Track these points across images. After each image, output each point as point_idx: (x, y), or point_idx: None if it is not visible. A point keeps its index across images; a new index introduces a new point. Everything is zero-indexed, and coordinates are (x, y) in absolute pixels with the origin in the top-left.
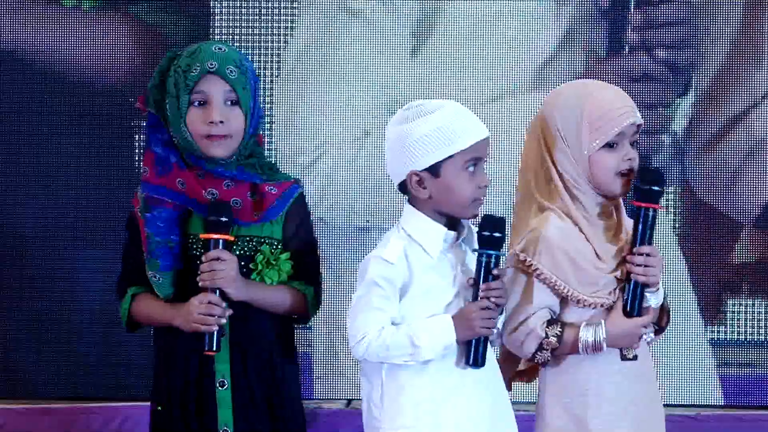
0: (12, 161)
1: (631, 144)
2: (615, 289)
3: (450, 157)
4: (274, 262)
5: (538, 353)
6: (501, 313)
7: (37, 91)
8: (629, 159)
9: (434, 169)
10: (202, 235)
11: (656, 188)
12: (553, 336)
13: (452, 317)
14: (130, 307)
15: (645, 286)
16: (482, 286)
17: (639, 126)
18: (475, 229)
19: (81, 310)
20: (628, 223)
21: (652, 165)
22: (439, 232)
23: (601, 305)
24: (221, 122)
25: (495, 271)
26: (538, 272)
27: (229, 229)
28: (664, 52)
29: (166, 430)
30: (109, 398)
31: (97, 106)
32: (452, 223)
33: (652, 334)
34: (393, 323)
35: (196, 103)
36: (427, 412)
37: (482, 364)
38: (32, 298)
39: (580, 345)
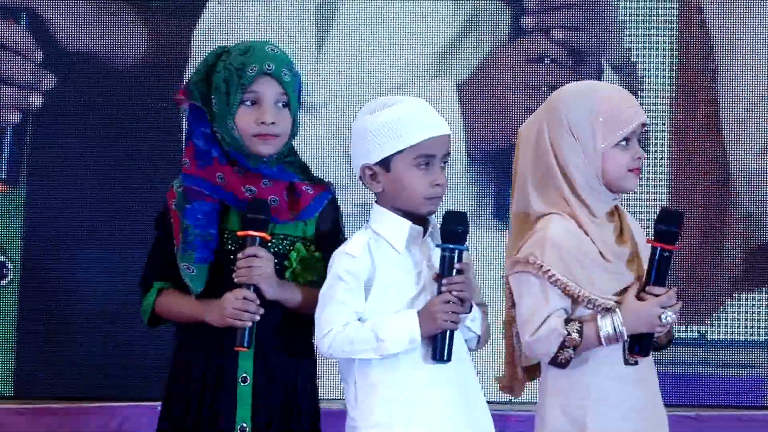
0: (12, 158)
1: (638, 142)
2: (624, 290)
3: (400, 151)
4: (307, 260)
5: (561, 352)
6: (470, 311)
7: (42, 88)
8: (638, 157)
9: (385, 163)
10: (240, 232)
11: (675, 229)
12: (574, 332)
13: (417, 312)
14: (155, 301)
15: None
16: (444, 280)
17: (645, 125)
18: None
19: (81, 310)
20: (634, 225)
21: (672, 207)
22: (403, 226)
23: (612, 307)
24: (272, 123)
25: (457, 266)
26: (549, 274)
27: (267, 228)
28: (566, 35)
29: (177, 429)
30: (109, 398)
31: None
32: (420, 219)
33: (673, 315)
34: (360, 320)
35: (247, 102)
36: (399, 409)
37: (448, 359)
38: (32, 298)
39: (601, 337)
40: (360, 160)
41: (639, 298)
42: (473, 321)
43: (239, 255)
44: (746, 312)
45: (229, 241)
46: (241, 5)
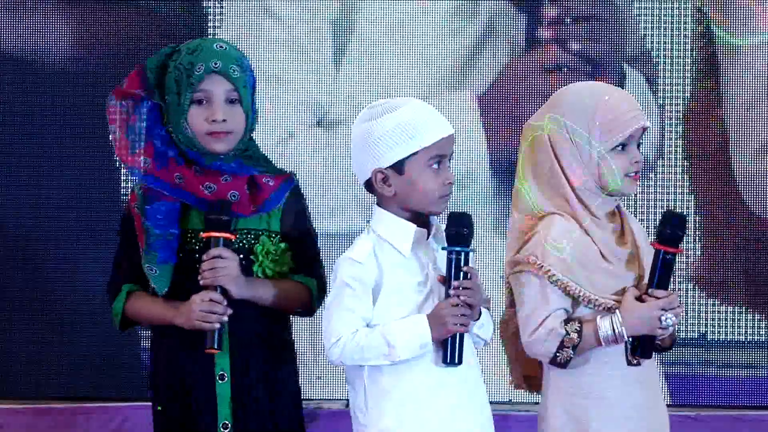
0: (11, 159)
1: (637, 146)
2: (624, 289)
3: (414, 153)
4: (273, 253)
5: (560, 352)
6: (478, 317)
7: (28, 87)
8: (637, 162)
9: (398, 166)
10: (203, 234)
11: (680, 233)
12: (573, 332)
13: (427, 316)
14: (125, 305)
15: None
16: (453, 283)
17: (645, 129)
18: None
19: (81, 310)
20: (635, 226)
21: (677, 210)
22: (408, 229)
23: (612, 306)
24: (224, 120)
25: (465, 268)
26: (550, 274)
27: (230, 227)
28: (582, 45)
29: (167, 429)
30: (109, 398)
31: (86, 100)
32: (422, 220)
33: (674, 318)
34: (368, 325)
35: (198, 101)
36: (410, 413)
37: (459, 362)
38: (32, 297)
39: (601, 338)
40: (369, 165)
41: (640, 299)
42: (481, 328)
43: (203, 257)
44: (746, 312)
45: (193, 241)
46: (257, 21)
